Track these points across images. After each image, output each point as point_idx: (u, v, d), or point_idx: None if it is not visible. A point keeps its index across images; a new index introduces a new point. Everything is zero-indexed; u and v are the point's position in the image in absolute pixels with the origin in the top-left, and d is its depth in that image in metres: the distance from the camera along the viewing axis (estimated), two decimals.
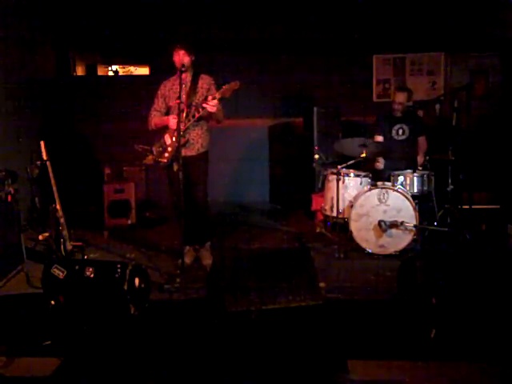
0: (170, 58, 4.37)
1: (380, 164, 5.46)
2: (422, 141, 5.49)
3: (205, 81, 4.43)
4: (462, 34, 6.77)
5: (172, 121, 4.28)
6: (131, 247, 5.18)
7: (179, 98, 4.12)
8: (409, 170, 5.04)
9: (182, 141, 4.17)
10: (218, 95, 4.10)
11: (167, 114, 4.47)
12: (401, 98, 5.41)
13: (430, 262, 3.58)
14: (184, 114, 4.24)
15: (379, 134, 5.50)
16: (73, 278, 3.51)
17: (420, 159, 5.43)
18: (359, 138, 4.97)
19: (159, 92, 4.51)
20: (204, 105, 4.13)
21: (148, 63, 7.78)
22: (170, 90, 4.43)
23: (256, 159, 7.28)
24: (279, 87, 7.16)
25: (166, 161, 4.35)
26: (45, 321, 3.43)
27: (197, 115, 4.23)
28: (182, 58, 4.27)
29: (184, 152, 4.20)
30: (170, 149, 4.34)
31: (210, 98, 4.12)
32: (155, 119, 4.50)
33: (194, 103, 4.28)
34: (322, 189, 5.46)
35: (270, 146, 7.37)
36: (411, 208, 4.72)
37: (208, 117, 4.35)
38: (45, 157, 4.46)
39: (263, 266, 3.54)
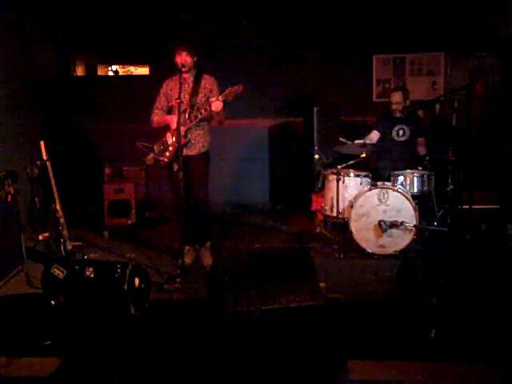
0: (170, 58, 4.37)
1: (374, 136, 5.51)
2: (421, 140, 5.54)
3: (207, 81, 4.43)
4: (462, 34, 6.77)
5: (174, 120, 4.29)
6: (131, 247, 5.18)
7: (179, 97, 4.12)
8: (409, 170, 5.04)
9: (184, 141, 4.18)
10: (221, 98, 4.10)
11: (169, 112, 4.48)
12: (397, 97, 5.44)
13: (429, 262, 3.58)
14: (187, 115, 4.25)
15: (377, 130, 5.53)
16: (73, 278, 3.51)
17: (422, 151, 5.43)
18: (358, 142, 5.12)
19: (162, 90, 4.52)
20: (211, 99, 4.14)
21: (148, 63, 7.78)
22: (172, 90, 4.42)
23: (256, 159, 7.28)
24: (279, 87, 7.15)
25: (166, 160, 4.35)
26: (45, 321, 3.42)
27: (199, 116, 4.24)
28: (184, 58, 4.27)
29: (185, 152, 4.21)
30: (171, 148, 4.34)
31: (213, 99, 4.14)
32: (157, 117, 4.51)
33: (196, 104, 4.29)
34: (322, 189, 5.46)
35: (269, 145, 7.37)
36: (411, 208, 4.72)
37: (210, 118, 4.36)
38: (45, 157, 4.46)
39: (263, 265, 3.53)
